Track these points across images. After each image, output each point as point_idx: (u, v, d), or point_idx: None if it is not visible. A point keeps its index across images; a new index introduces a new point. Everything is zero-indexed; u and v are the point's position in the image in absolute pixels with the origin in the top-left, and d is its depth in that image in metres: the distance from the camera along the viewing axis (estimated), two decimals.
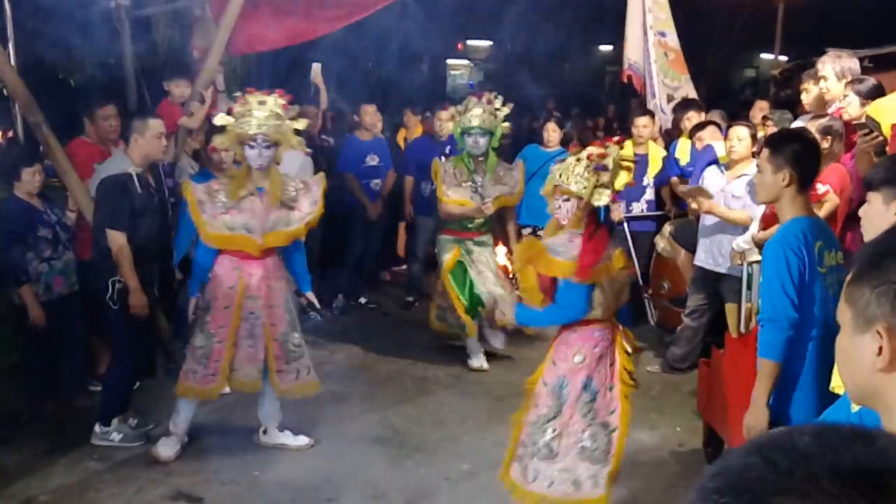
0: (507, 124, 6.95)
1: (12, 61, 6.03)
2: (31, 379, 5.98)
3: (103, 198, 5.47)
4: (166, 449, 5.45)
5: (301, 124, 5.37)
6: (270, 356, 5.42)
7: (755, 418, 3.61)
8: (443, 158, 6.94)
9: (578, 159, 4.26)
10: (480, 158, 6.94)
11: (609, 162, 4.22)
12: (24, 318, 5.74)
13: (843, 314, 1.57)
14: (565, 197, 4.27)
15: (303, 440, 5.71)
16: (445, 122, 8.77)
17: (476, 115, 6.78)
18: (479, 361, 7.20)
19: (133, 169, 5.45)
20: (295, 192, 5.41)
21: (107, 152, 6.02)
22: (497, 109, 6.87)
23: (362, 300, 9.11)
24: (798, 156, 3.66)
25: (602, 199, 4.21)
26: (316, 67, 8.88)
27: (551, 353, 4.37)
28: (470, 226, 7.03)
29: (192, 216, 5.27)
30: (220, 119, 5.28)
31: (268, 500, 4.98)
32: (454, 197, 6.88)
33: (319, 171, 7.89)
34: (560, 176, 4.27)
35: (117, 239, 5.35)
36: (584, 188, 4.20)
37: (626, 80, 10.13)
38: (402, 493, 5.05)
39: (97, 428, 5.65)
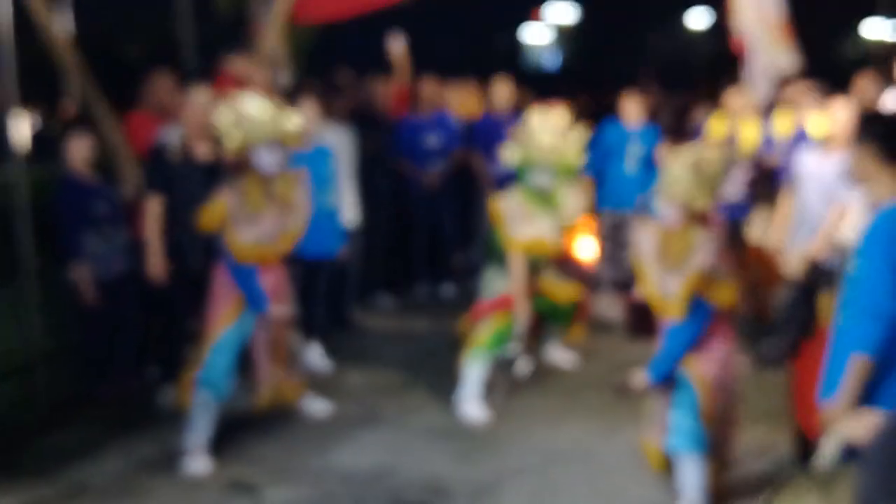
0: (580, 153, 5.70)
1: (72, 33, 5.99)
2: (88, 361, 6.00)
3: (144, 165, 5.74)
4: (197, 464, 5.07)
5: (295, 122, 5.12)
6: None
7: (837, 413, 3.49)
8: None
9: (682, 165, 4.46)
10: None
11: (711, 167, 4.45)
12: (80, 299, 5.72)
13: None
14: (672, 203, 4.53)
15: (321, 405, 5.80)
16: (501, 91, 8.52)
17: (545, 146, 5.51)
18: (558, 353, 6.78)
19: (171, 137, 5.50)
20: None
21: (161, 123, 5.97)
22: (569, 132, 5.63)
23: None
24: (887, 134, 3.53)
25: (701, 203, 4.45)
26: (396, 39, 8.38)
27: None
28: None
29: (226, 236, 4.96)
30: (227, 121, 4.91)
31: (325, 490, 4.91)
32: (529, 233, 5.62)
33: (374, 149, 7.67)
34: (669, 185, 4.49)
35: (149, 203, 5.51)
36: (686, 192, 4.44)
37: (735, 50, 9.73)
38: (466, 486, 4.92)
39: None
